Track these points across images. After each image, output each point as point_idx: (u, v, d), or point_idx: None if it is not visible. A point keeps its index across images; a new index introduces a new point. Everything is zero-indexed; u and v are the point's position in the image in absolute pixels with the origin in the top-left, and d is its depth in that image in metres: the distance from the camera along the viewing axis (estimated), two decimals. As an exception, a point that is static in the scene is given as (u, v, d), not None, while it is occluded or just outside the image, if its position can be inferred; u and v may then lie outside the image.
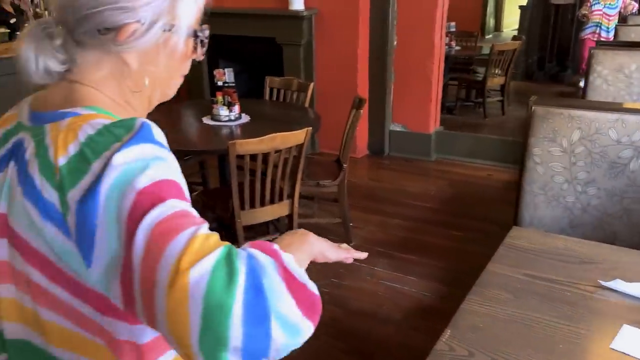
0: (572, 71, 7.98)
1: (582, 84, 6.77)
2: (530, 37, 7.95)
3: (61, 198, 0.63)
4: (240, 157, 2.40)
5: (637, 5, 6.13)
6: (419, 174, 4.43)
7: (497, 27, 11.17)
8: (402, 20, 4.36)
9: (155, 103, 0.82)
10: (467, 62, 6.54)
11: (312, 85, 3.52)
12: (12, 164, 0.71)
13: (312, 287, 0.64)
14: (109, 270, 0.61)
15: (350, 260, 0.92)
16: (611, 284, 1.37)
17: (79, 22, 0.70)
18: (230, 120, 3.06)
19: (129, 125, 0.66)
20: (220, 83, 3.13)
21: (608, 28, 5.69)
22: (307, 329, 0.61)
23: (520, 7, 8.52)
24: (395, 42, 4.44)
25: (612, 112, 1.95)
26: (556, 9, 7.97)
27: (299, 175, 2.61)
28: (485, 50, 6.30)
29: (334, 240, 0.91)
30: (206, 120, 3.10)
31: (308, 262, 0.78)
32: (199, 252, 0.57)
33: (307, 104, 3.50)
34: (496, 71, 5.82)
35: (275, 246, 0.65)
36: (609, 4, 5.15)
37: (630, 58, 3.50)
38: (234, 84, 3.11)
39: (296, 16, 4.43)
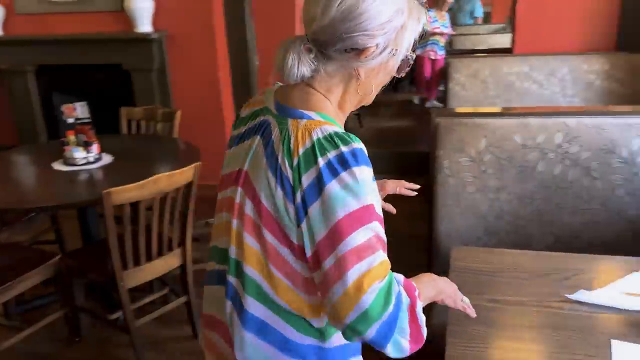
0: (410, 82, 8.54)
1: (416, 100, 7.40)
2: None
3: (294, 176, 0.88)
4: (116, 206, 1.98)
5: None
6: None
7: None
8: (261, 40, 4.19)
9: (355, 108, 1.02)
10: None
11: (179, 113, 3.17)
12: (258, 137, 0.98)
13: (424, 330, 0.89)
14: (308, 236, 0.87)
15: (467, 311, 1.10)
16: (577, 296, 1.31)
17: (334, 42, 0.90)
18: (88, 162, 2.57)
19: (346, 141, 0.88)
20: (71, 120, 2.63)
21: (440, 44, 6.10)
22: (406, 352, 0.87)
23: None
24: (257, 63, 4.25)
25: (516, 117, 1.98)
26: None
27: (190, 219, 2.26)
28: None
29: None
30: (58, 165, 2.57)
31: (430, 301, 1.01)
32: (375, 277, 0.83)
33: (175, 135, 3.14)
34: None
35: (416, 292, 0.90)
36: (443, 22, 5.58)
37: (484, 64, 3.76)
38: (89, 120, 2.64)
39: (144, 39, 4.00)
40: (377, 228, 0.86)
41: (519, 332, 1.23)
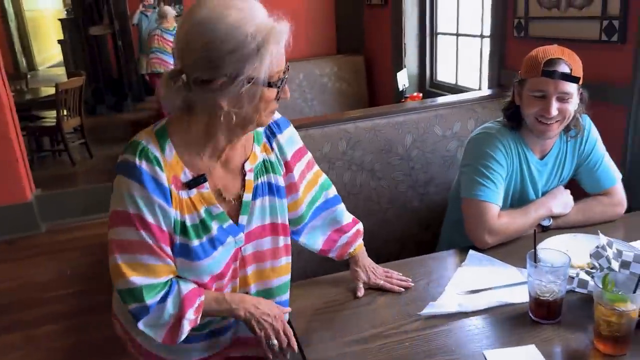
0: (133, 99, 7.96)
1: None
2: (79, 70, 7.45)
3: None
4: None
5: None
6: (36, 254, 3.46)
7: (31, 65, 10.07)
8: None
9: (248, 131, 1.10)
10: (25, 109, 5.55)
11: None
12: None
13: (180, 337, 1.10)
14: None
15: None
16: (430, 310, 1.26)
17: (188, 72, 0.98)
18: None
19: (126, 151, 1.05)
20: None
21: (169, 52, 5.75)
22: (157, 339, 1.10)
23: (60, 41, 7.87)
24: None
25: (432, 110, 2.00)
26: (96, 40, 7.71)
27: None
28: (43, 92, 5.50)
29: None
30: None
31: (220, 315, 1.18)
32: (130, 272, 1.06)
33: None
34: (66, 112, 5.14)
35: (195, 305, 1.10)
36: (167, 30, 5.27)
37: (297, 69, 3.71)
38: None
39: None
40: (141, 235, 1.03)
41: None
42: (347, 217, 1.40)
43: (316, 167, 1.35)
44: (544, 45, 1.57)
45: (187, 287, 1.10)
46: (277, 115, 1.23)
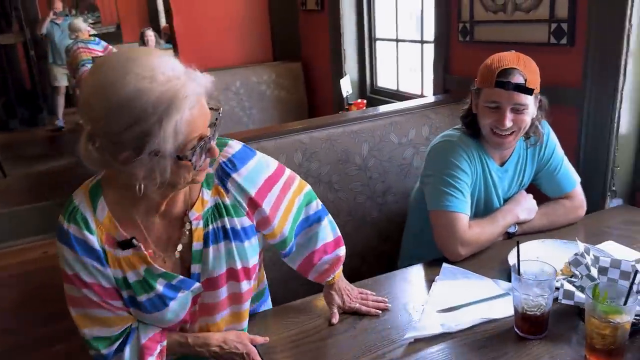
0: (48, 112, 7.42)
1: (59, 122, 6.48)
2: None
3: None
4: None
5: (153, 37, 6.26)
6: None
7: None
8: None
9: (180, 189, 1.03)
10: None
11: None
12: None
13: None
14: None
15: None
16: (413, 334, 1.17)
17: (96, 139, 0.91)
18: None
19: (63, 215, 1.02)
20: None
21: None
22: None
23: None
24: None
25: (387, 117, 1.93)
26: (5, 49, 7.12)
27: None
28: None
29: None
30: None
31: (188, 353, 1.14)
32: (84, 324, 1.07)
33: None
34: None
35: (155, 353, 1.07)
36: (86, 41, 4.95)
37: (234, 76, 3.57)
38: None
39: None
40: (84, 293, 1.02)
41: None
42: (328, 236, 1.29)
43: (295, 184, 1.23)
44: (491, 49, 1.56)
45: (146, 335, 1.06)
46: (232, 149, 1.12)
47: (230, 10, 3.81)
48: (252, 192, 1.11)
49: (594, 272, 1.22)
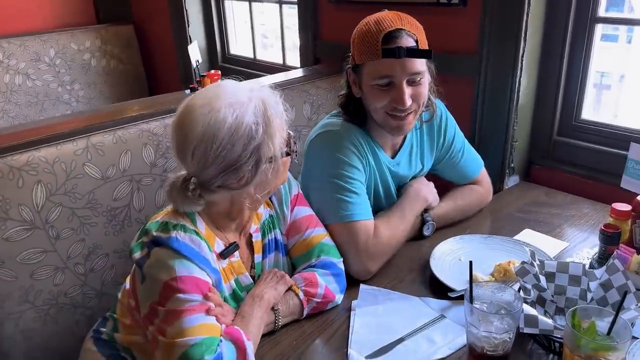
0: None
1: None
2: None
3: None
4: None
5: None
6: None
7: None
8: None
9: (261, 204, 1.09)
10: None
11: None
12: None
13: None
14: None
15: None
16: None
17: (209, 182, 0.95)
18: None
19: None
20: None
21: None
22: None
23: None
24: None
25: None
26: None
27: None
28: None
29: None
30: None
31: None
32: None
33: None
34: None
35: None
36: None
37: (45, 44, 2.83)
38: None
39: None
40: (193, 297, 0.94)
41: None
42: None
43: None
44: (369, 9, 1.25)
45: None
46: None
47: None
48: (291, 195, 1.17)
49: (543, 281, 1.01)
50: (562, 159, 1.64)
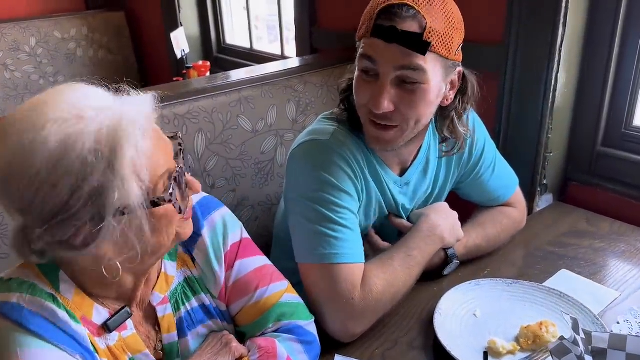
0: None
1: None
2: None
3: None
4: None
5: None
6: None
7: None
8: None
9: (155, 262, 0.76)
10: None
11: None
12: None
13: None
14: None
15: None
16: None
17: (39, 238, 0.64)
18: None
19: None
20: None
21: None
22: None
23: None
24: None
25: (235, 90, 1.23)
26: None
27: None
28: None
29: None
30: None
31: None
32: None
33: None
34: None
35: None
36: None
37: (25, 31, 2.61)
38: None
39: None
40: None
41: None
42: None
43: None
44: None
45: None
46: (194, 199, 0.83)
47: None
48: (227, 246, 0.84)
49: (591, 362, 0.72)
50: (608, 175, 1.32)
